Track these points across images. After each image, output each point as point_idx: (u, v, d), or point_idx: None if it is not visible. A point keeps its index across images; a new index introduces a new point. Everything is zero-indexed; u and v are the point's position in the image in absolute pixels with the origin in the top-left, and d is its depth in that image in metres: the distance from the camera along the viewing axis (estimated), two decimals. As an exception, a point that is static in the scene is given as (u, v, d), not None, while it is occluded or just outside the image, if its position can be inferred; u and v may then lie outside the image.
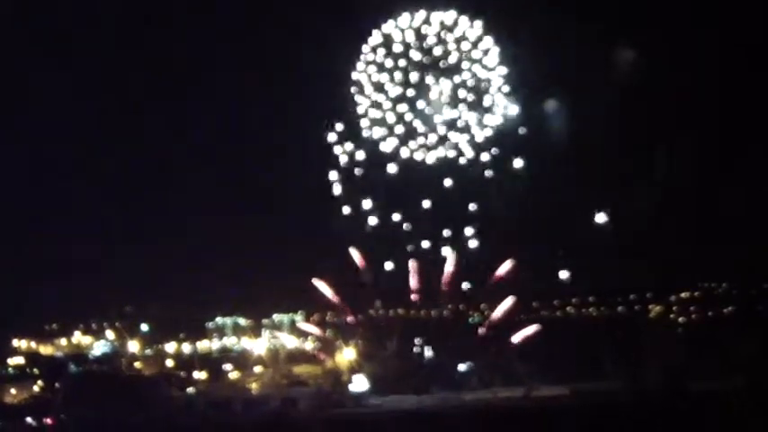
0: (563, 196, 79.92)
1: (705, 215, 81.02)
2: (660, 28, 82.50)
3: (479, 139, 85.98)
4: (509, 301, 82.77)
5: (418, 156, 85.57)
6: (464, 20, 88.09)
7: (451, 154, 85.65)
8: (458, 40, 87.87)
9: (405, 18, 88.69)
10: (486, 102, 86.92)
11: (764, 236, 78.71)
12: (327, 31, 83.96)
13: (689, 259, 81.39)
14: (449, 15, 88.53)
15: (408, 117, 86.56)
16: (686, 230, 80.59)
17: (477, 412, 74.67)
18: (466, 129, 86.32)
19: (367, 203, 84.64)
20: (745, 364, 72.94)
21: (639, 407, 71.56)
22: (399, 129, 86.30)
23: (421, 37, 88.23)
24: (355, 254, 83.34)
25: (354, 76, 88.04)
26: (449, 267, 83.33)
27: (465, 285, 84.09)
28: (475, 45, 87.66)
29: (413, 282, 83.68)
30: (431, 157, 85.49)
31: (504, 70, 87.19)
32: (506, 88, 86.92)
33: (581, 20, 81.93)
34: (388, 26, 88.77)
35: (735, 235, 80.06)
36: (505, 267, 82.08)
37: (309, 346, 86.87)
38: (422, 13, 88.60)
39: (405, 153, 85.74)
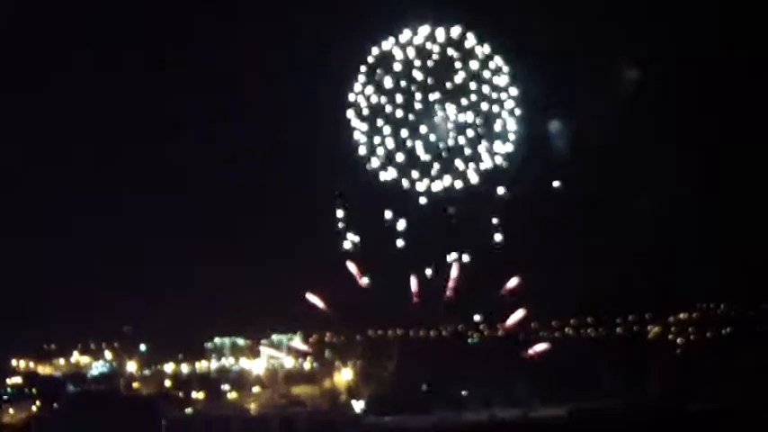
0: (563, 215, 79.32)
1: (704, 236, 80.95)
2: (668, 40, 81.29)
3: (488, 165, 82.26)
4: (519, 314, 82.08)
5: (420, 186, 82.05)
6: (472, 36, 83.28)
7: (458, 184, 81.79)
8: (465, 59, 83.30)
9: (406, 34, 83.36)
10: (497, 126, 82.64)
11: (762, 256, 78.69)
12: (321, 47, 79.70)
13: (687, 280, 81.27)
14: (455, 31, 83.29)
15: (410, 143, 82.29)
16: (685, 251, 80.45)
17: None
18: (473, 156, 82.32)
19: (369, 229, 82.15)
20: (744, 385, 73.02)
21: (638, 427, 71.78)
22: (400, 156, 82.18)
23: (424, 55, 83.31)
24: (353, 268, 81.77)
25: (351, 97, 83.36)
26: (452, 280, 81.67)
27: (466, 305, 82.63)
28: (484, 64, 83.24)
29: (414, 300, 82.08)
30: (434, 187, 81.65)
31: (515, 91, 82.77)
32: (519, 111, 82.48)
33: (589, 33, 79.94)
34: (388, 43, 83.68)
35: (733, 256, 79.99)
36: (512, 284, 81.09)
37: (307, 366, 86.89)
38: (425, 29, 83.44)
39: (405, 183, 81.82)
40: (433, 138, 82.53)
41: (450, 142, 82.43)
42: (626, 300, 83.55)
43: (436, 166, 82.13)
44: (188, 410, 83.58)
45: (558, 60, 79.12)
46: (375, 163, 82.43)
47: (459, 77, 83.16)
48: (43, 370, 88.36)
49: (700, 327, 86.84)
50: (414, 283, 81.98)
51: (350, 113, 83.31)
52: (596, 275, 77.91)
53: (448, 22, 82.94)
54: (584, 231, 78.79)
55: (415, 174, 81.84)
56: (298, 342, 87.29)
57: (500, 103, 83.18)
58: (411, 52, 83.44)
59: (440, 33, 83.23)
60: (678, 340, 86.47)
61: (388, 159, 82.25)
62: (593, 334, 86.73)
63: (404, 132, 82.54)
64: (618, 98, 79.74)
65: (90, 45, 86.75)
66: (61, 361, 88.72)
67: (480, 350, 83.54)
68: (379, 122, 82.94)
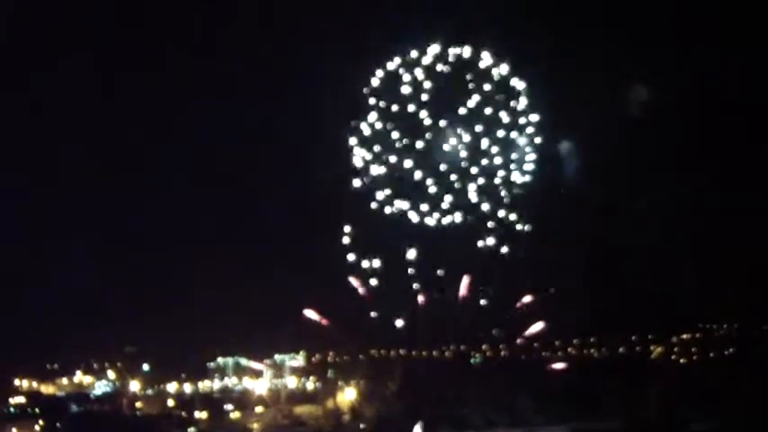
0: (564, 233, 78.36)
1: (706, 256, 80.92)
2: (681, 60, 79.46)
3: (506, 199, 76.99)
4: (539, 326, 79.85)
5: (430, 221, 76.48)
6: (487, 56, 77.18)
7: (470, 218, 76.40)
8: (479, 81, 77.18)
9: (414, 54, 76.90)
10: (515, 155, 76.99)
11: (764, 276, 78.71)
12: (319, 68, 74.78)
13: (690, 300, 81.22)
14: (468, 50, 76.78)
15: (418, 175, 76.48)
16: (687, 271, 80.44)
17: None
18: (488, 188, 76.86)
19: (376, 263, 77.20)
20: (747, 405, 72.97)
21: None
22: (407, 187, 76.71)
23: (434, 76, 76.97)
24: (356, 283, 78.03)
25: (353, 123, 77.80)
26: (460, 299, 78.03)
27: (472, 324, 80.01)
28: (501, 86, 77.32)
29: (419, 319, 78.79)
30: (445, 221, 75.97)
31: (536, 117, 76.58)
32: (539, 139, 76.59)
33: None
34: (394, 64, 77.35)
35: (735, 275, 79.98)
36: (525, 300, 78.72)
37: (310, 385, 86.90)
38: (435, 48, 76.86)
39: (414, 217, 76.20)
40: (443, 167, 76.82)
41: (463, 172, 76.61)
42: (629, 320, 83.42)
43: (448, 198, 76.64)
44: (191, 430, 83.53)
45: (572, 69, 74.99)
46: (380, 195, 77.21)
47: (472, 101, 76.94)
48: (46, 389, 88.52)
49: (702, 347, 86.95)
50: (420, 299, 79.54)
51: (352, 141, 78.57)
52: (600, 295, 77.86)
53: (460, 39, 76.98)
54: (590, 251, 78.36)
55: (424, 207, 76.13)
56: (293, 362, 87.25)
57: (519, 129, 77.75)
58: (419, 73, 77.52)
59: (452, 53, 77.09)
60: (681, 360, 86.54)
61: (395, 191, 76.73)
62: (596, 354, 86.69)
63: (410, 162, 76.82)
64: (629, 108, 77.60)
65: (90, 45, 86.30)
66: (64, 380, 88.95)
67: (483, 369, 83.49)
68: (385, 151, 77.76)
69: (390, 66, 78.19)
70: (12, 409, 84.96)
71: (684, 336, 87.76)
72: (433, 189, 76.36)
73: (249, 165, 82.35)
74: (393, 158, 76.86)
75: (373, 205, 76.92)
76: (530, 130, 77.61)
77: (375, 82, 77.99)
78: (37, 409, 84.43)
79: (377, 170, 76.73)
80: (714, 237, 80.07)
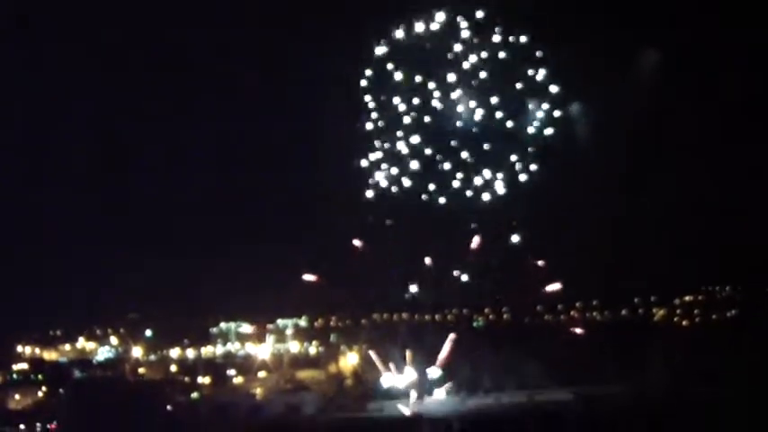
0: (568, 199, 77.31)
1: (708, 219, 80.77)
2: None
3: (522, 176, 72.12)
4: (555, 287, 76.78)
5: (440, 198, 72.46)
6: (501, 23, 71.65)
7: (486, 196, 72.18)
8: (493, 50, 71.74)
9: (421, 22, 71.23)
10: (530, 129, 71.81)
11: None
12: (324, 38, 71.77)
13: (692, 262, 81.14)
14: (480, 17, 71.01)
15: (427, 150, 71.84)
16: (689, 233, 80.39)
17: (480, 416, 75.68)
18: (501, 162, 71.99)
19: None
20: (748, 368, 73.20)
21: (643, 411, 72.11)
22: (415, 164, 71.90)
23: (443, 46, 71.56)
24: (359, 245, 74.18)
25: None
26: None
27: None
28: (516, 56, 71.79)
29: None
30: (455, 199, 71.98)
31: (555, 89, 71.15)
32: (557, 112, 71.28)
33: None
34: (399, 32, 71.64)
35: (738, 238, 79.88)
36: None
37: (313, 350, 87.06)
38: (445, 14, 70.99)
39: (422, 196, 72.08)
40: (454, 143, 71.92)
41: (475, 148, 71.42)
42: (631, 282, 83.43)
43: (459, 176, 72.01)
44: (194, 395, 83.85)
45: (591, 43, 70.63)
46: (385, 173, 72.67)
47: (484, 72, 71.64)
48: (49, 356, 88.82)
49: (705, 309, 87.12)
50: (428, 261, 76.36)
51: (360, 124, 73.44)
52: (604, 258, 77.56)
53: (473, 4, 70.94)
54: (592, 216, 77.85)
55: (432, 186, 71.84)
56: (294, 328, 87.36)
57: (535, 101, 72.23)
58: (427, 42, 72.05)
59: (462, 20, 70.80)
60: (684, 323, 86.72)
61: (402, 169, 72.42)
62: (599, 317, 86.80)
63: (418, 138, 72.03)
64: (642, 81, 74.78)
65: (89, 45, 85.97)
66: (67, 347, 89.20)
67: (489, 333, 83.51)
68: (389, 126, 72.66)
69: (398, 34, 72.74)
70: (15, 376, 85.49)
71: (687, 298, 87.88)
72: (442, 167, 72.29)
73: (250, 147, 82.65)
74: (400, 134, 72.48)
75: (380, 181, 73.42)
76: (547, 103, 72.61)
77: (380, 51, 72.93)
78: (40, 376, 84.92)
79: (383, 146, 72.76)
80: (718, 198, 79.93)
